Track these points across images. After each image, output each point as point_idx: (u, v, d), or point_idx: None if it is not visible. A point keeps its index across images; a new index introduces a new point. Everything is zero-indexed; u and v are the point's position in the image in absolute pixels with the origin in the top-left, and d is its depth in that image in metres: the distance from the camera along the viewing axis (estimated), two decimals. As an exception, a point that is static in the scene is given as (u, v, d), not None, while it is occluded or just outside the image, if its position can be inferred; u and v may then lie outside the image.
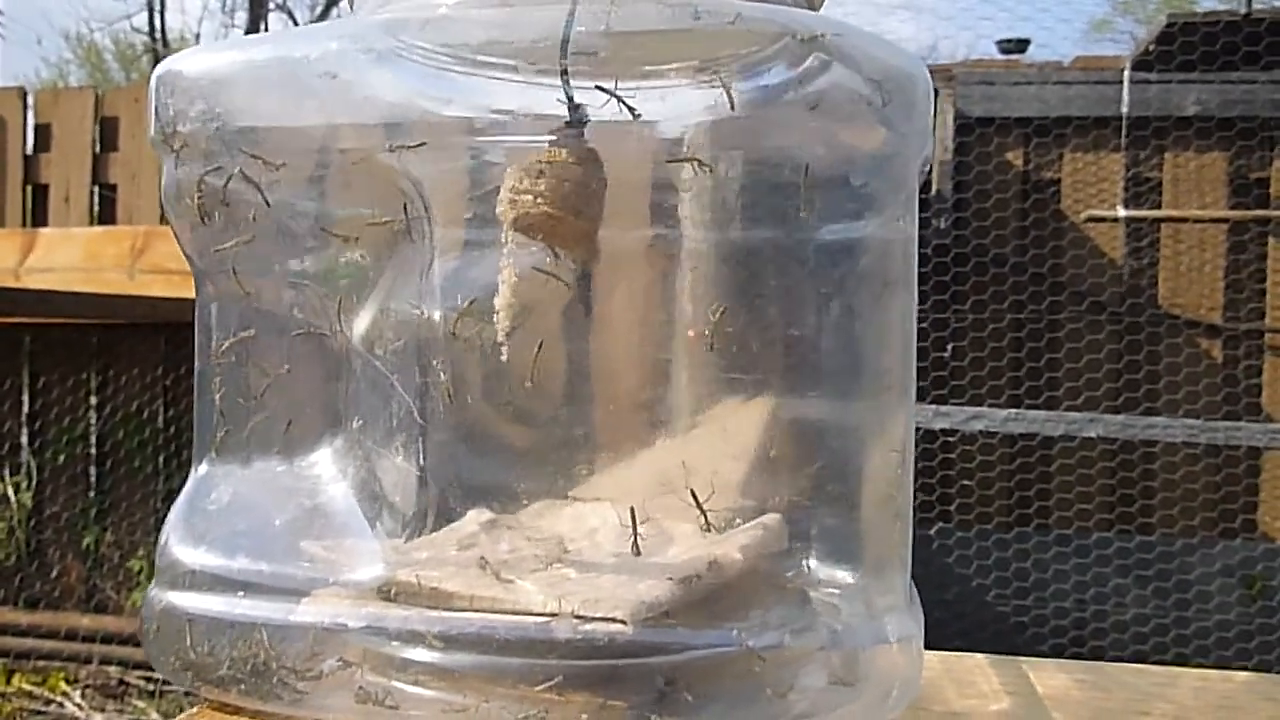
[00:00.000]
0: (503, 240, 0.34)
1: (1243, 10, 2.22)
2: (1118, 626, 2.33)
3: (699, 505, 0.31)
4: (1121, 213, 2.48)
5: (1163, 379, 2.42)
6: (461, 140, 0.29)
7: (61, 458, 2.81)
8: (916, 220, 0.35)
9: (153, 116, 0.30)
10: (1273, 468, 2.40)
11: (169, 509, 0.31)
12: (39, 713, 2.45)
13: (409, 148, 0.28)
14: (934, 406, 2.21)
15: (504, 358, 0.33)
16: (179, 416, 2.78)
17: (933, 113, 0.34)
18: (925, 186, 2.40)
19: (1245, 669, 2.19)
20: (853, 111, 0.34)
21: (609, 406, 0.36)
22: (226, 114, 0.29)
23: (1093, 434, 2.21)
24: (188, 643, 0.30)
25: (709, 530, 0.31)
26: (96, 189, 3.01)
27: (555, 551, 0.34)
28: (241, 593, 0.30)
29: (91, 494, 2.83)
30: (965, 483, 2.37)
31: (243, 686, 0.29)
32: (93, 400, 2.81)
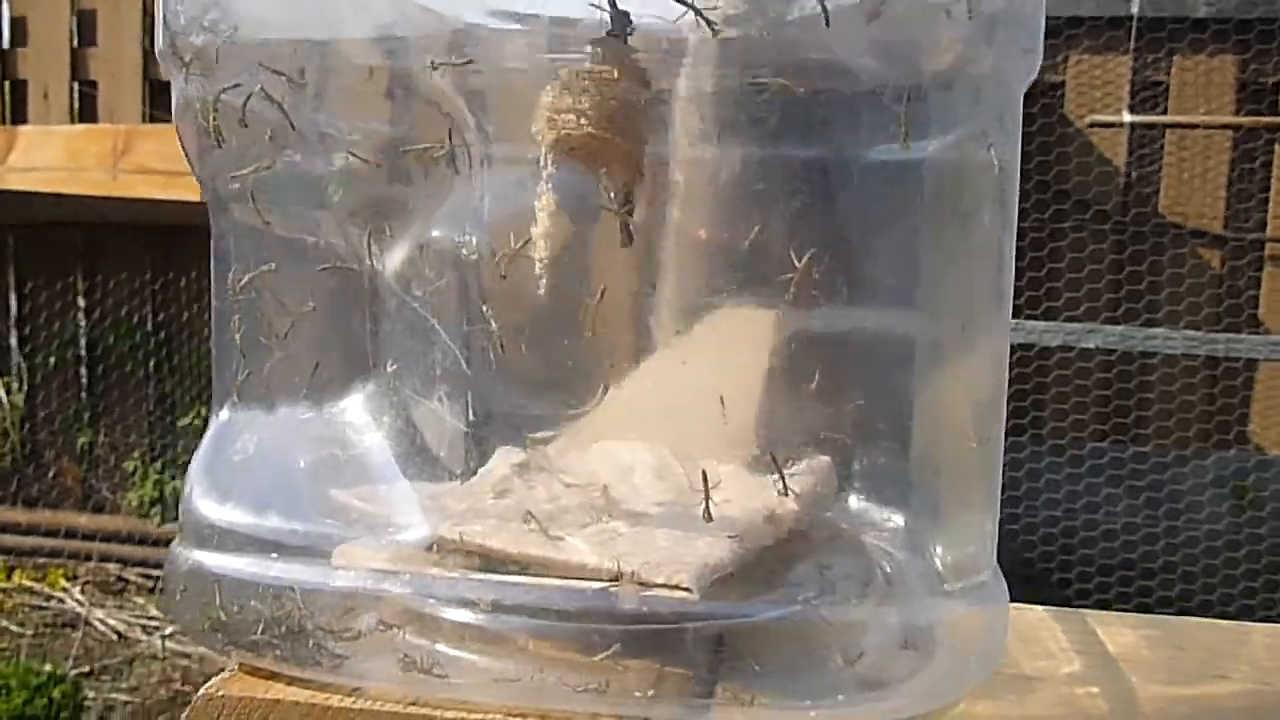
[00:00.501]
0: (540, 163, 0.31)
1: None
2: (1108, 535, 2.36)
3: (780, 470, 0.29)
4: (1127, 118, 2.42)
5: (1164, 289, 2.41)
6: (519, 51, 0.26)
7: (52, 360, 2.79)
8: (1017, 144, 0.32)
9: (161, 25, 0.27)
10: (1267, 379, 2.40)
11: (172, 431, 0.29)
12: (40, 608, 2.48)
13: (455, 65, 0.25)
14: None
15: (541, 290, 0.30)
16: (169, 321, 2.75)
17: (1042, 22, 0.31)
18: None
19: (1233, 578, 2.23)
20: (922, 22, 0.31)
21: (634, 331, 0.33)
22: (244, 23, 0.26)
23: (1091, 345, 2.20)
24: (217, 604, 0.28)
25: (786, 494, 0.29)
26: (76, 86, 2.92)
27: (599, 502, 0.32)
28: (274, 554, 0.28)
29: (84, 396, 2.82)
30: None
31: (278, 651, 0.27)
32: (80, 303, 2.77)
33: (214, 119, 0.27)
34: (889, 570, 0.33)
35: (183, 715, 0.27)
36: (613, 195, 0.32)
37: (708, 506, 0.29)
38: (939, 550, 0.32)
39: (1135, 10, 2.37)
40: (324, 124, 0.27)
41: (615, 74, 0.32)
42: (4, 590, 2.52)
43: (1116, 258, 2.43)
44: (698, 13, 0.26)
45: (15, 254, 2.77)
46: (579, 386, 0.31)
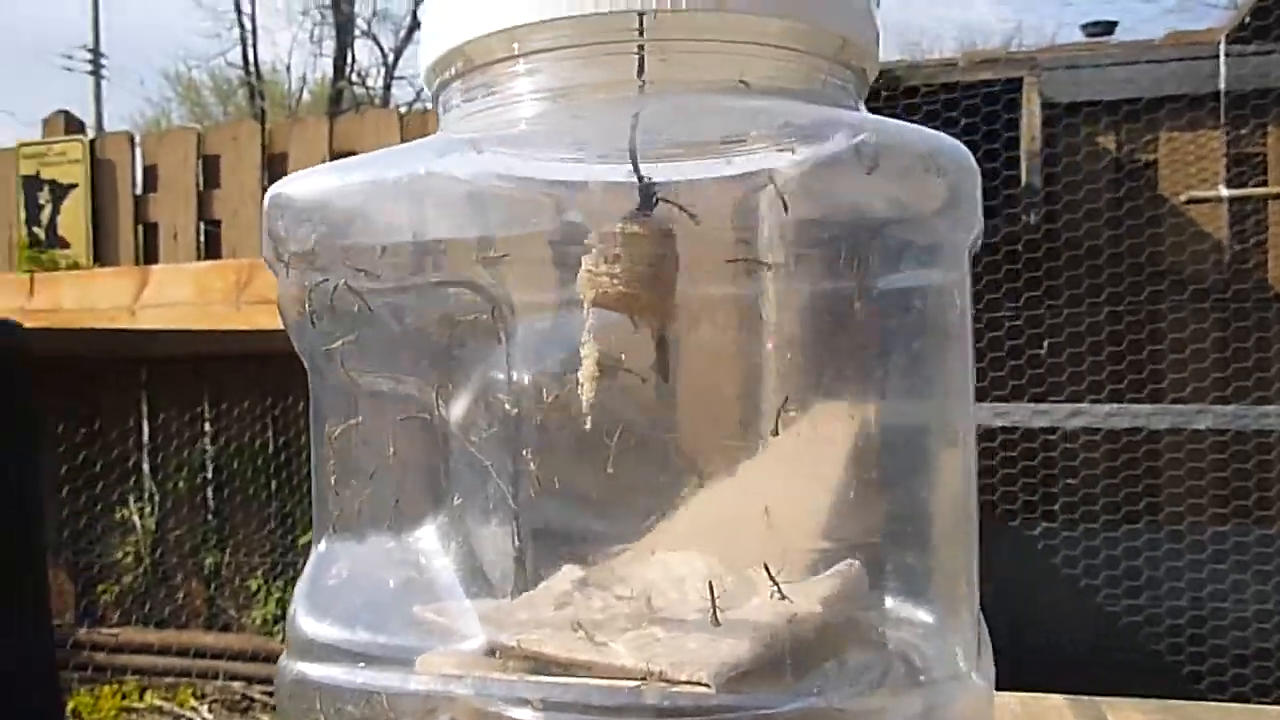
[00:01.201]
0: (584, 317, 0.37)
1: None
2: (1239, 624, 2.25)
3: (773, 579, 0.33)
4: (1224, 192, 2.40)
5: (1274, 365, 2.34)
6: (544, 228, 0.32)
7: (180, 485, 2.95)
8: (967, 296, 0.37)
9: (265, 236, 0.33)
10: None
11: (283, 546, 0.35)
12: (171, 727, 2.58)
13: (491, 258, 0.31)
14: (1032, 405, 2.17)
15: (588, 426, 0.36)
16: (288, 443, 2.89)
17: (979, 193, 0.36)
18: (1013, 180, 2.37)
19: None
20: (909, 172, 0.36)
21: (689, 449, 0.38)
22: (330, 233, 0.32)
23: (1201, 426, 2.14)
24: (318, 708, 0.33)
25: (781, 599, 0.33)
26: (201, 225, 3.15)
27: (644, 609, 0.37)
28: (362, 663, 0.33)
29: (210, 518, 2.97)
30: (1069, 481, 2.32)
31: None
32: (207, 429, 2.94)
33: (309, 306, 0.33)
34: (914, 661, 0.37)
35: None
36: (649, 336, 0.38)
37: (714, 612, 0.33)
38: (942, 629, 0.35)
39: (1223, 86, 2.37)
40: (394, 304, 0.33)
41: (644, 239, 0.38)
42: (137, 710, 2.63)
43: (1221, 335, 2.37)
44: (681, 209, 0.32)
45: (147, 385, 2.97)
46: (624, 512, 0.36)
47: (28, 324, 2.42)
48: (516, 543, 0.33)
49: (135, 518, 2.94)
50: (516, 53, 0.34)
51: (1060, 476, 2.33)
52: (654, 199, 0.37)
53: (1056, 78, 2.46)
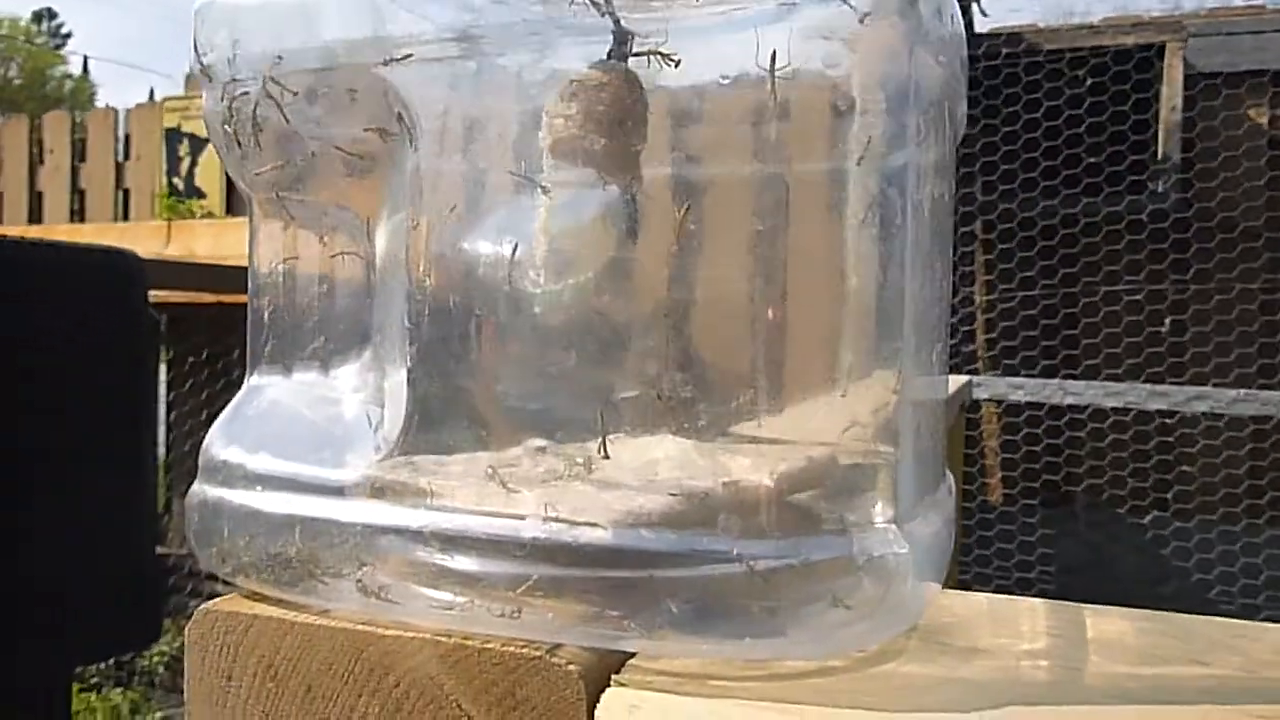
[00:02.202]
0: (544, 165, 0.35)
1: None
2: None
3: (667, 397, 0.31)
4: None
5: None
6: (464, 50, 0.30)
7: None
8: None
9: (192, 48, 0.32)
10: None
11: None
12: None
13: (397, 60, 0.29)
14: (1149, 386, 2.04)
15: (538, 288, 0.34)
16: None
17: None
18: (1142, 147, 2.23)
19: None
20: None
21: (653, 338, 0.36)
22: (249, 39, 0.31)
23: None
24: (224, 534, 0.32)
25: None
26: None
27: (583, 473, 0.35)
28: (259, 486, 0.32)
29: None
30: (1185, 469, 2.18)
31: (266, 576, 0.31)
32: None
33: (232, 125, 0.32)
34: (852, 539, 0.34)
35: (186, 625, 0.31)
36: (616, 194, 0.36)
37: (604, 443, 0.31)
38: (892, 520, 0.32)
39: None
40: (317, 124, 0.32)
41: (604, 80, 0.35)
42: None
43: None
44: (655, 53, 0.29)
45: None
46: (566, 392, 0.34)
47: (164, 261, 2.54)
48: (409, 371, 0.31)
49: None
50: None
51: (1176, 463, 2.19)
52: (628, 44, 0.35)
53: (1204, 45, 2.30)
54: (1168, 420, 2.15)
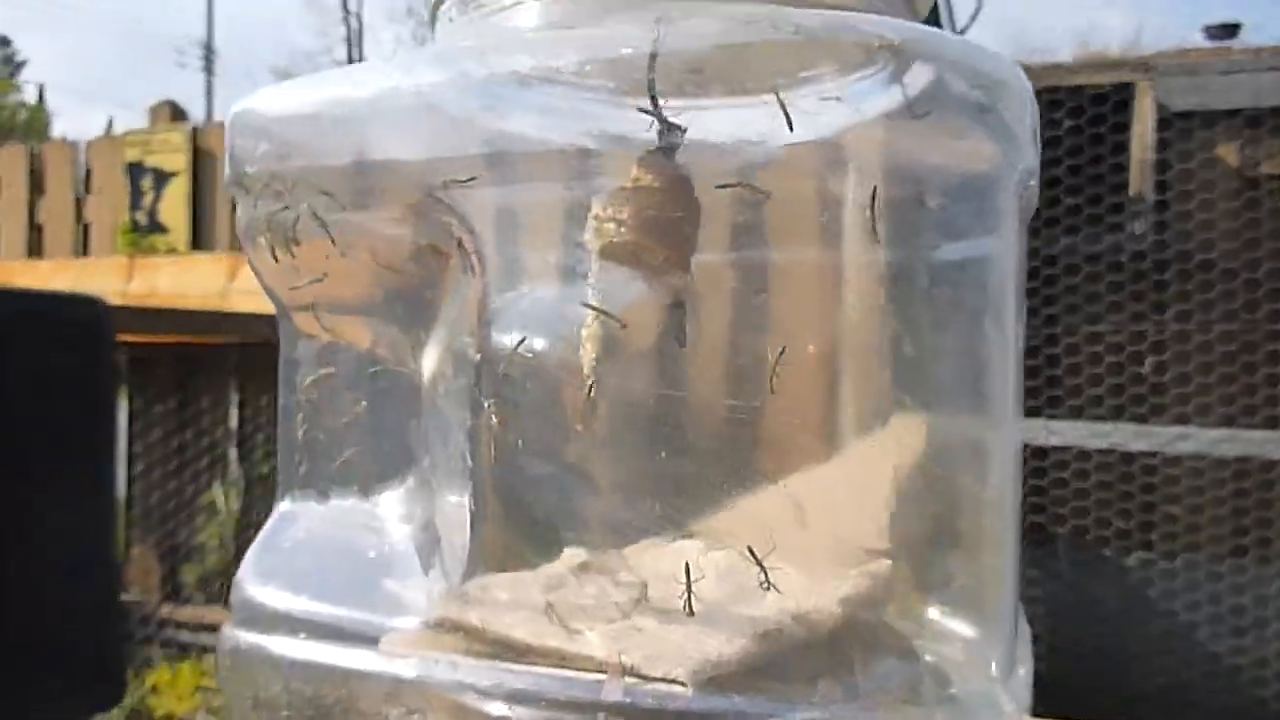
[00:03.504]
0: (591, 269, 0.33)
1: None
2: (1354, 671, 2.09)
3: (758, 562, 0.29)
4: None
5: None
6: (542, 170, 0.28)
7: (266, 468, 3.01)
8: (1015, 238, 0.32)
9: (227, 159, 0.30)
10: None
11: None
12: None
13: (461, 183, 0.27)
14: (1133, 426, 2.05)
15: (590, 392, 0.32)
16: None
17: (1033, 123, 0.31)
18: (1121, 188, 2.25)
19: None
20: (959, 120, 0.31)
21: (711, 438, 0.34)
22: (292, 152, 0.29)
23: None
24: (259, 682, 0.30)
25: (768, 589, 0.29)
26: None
27: (638, 599, 0.33)
28: (304, 634, 0.29)
29: (294, 503, 3.01)
30: (1170, 509, 2.18)
31: (309, 732, 0.29)
32: (293, 415, 2.98)
33: (269, 237, 0.30)
34: (943, 673, 0.32)
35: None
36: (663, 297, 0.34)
37: (689, 599, 0.29)
38: (990, 652, 0.31)
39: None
40: (365, 238, 0.30)
41: (656, 184, 0.33)
42: (213, 689, 2.69)
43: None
44: (665, 125, 0.28)
45: (237, 369, 3.03)
46: (622, 496, 0.32)
47: (126, 306, 2.50)
48: (472, 504, 0.29)
49: (220, 500, 3.00)
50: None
51: (1160, 503, 2.19)
52: (675, 141, 0.33)
53: (1173, 84, 2.33)
54: (1151, 460, 2.16)
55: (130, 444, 3.01)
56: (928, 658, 0.33)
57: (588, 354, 0.33)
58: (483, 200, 0.28)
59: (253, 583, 0.31)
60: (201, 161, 3.24)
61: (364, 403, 0.32)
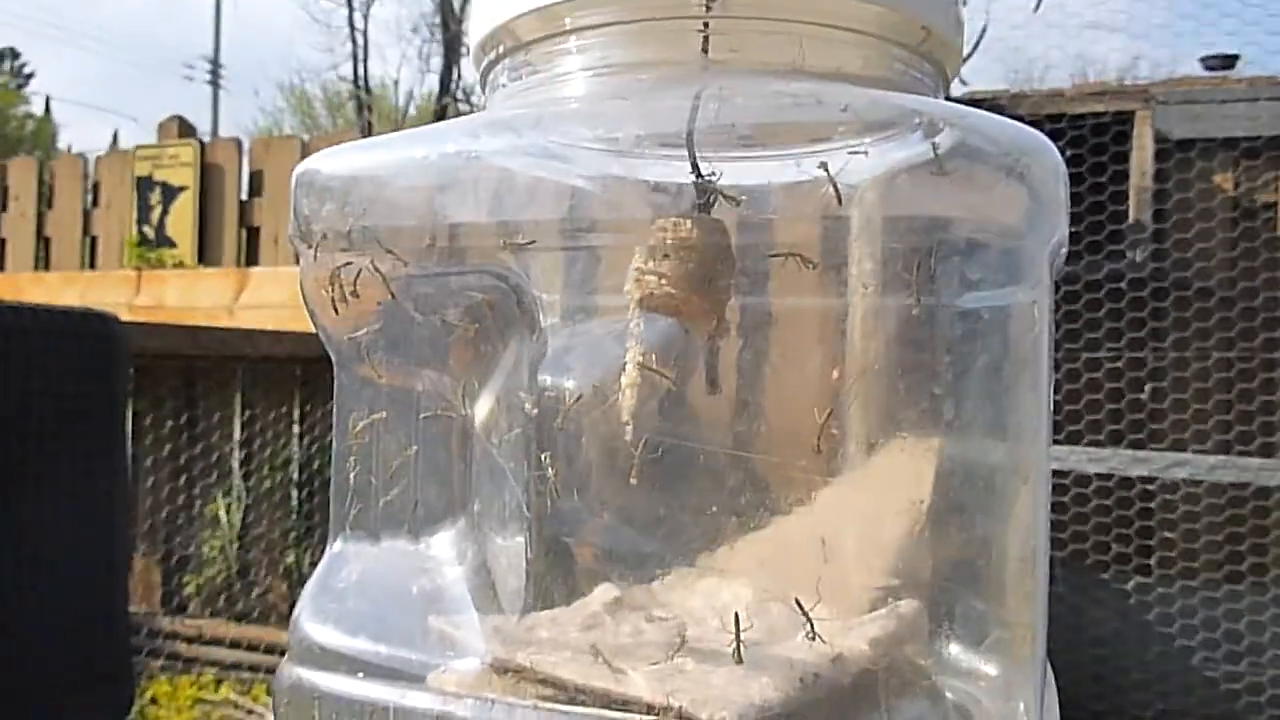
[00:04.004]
0: (629, 319, 0.34)
1: None
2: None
3: (805, 615, 0.30)
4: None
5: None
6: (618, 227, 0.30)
7: (268, 483, 3.01)
8: (1049, 306, 0.33)
9: (291, 215, 0.32)
10: None
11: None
12: (243, 721, 2.62)
13: (517, 244, 0.29)
14: (1131, 452, 2.07)
15: (628, 436, 0.33)
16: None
17: (1064, 195, 0.32)
18: (1121, 216, 2.27)
19: None
20: (989, 180, 0.33)
21: (739, 477, 0.35)
22: (356, 212, 0.30)
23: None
24: (315, 718, 0.31)
25: (814, 640, 0.30)
26: (303, 232, 3.22)
27: (676, 638, 0.34)
28: (361, 673, 0.31)
29: (294, 517, 3.02)
30: (1167, 534, 2.20)
31: (364, 766, 0.30)
32: (296, 429, 3.00)
33: (331, 291, 0.31)
34: (971, 715, 0.33)
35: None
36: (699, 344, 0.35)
37: (739, 647, 0.30)
38: (1008, 683, 0.32)
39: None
40: (420, 292, 0.31)
41: (695, 238, 0.35)
42: (212, 702, 2.68)
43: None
44: (717, 195, 0.29)
45: (242, 384, 3.04)
46: (662, 532, 0.33)
47: (133, 319, 2.51)
48: (529, 552, 0.30)
49: (223, 513, 3.01)
50: (566, 28, 0.32)
51: (1158, 529, 2.21)
52: (712, 198, 0.35)
53: (1171, 113, 2.35)
54: (1148, 486, 2.17)
55: (134, 455, 3.02)
56: (949, 695, 0.34)
57: (627, 401, 0.34)
58: (542, 261, 0.30)
59: (310, 622, 0.32)
60: (209, 176, 3.26)
61: (415, 447, 0.34)
